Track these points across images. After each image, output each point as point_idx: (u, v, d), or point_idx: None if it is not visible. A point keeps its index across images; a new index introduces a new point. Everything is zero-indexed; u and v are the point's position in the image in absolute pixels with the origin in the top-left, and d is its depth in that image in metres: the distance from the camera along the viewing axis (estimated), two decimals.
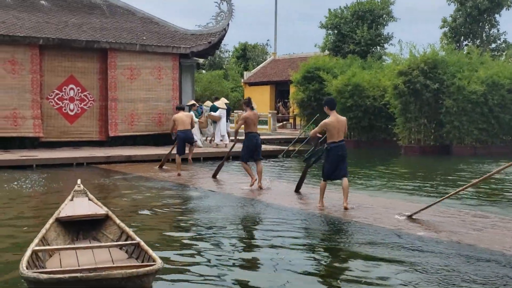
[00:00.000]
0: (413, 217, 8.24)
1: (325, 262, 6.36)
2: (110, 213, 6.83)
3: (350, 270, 5.91)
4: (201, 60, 23.58)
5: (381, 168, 16.58)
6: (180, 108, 14.97)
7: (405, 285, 5.34)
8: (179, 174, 13.67)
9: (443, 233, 7.35)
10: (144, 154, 17.13)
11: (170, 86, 20.33)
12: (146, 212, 9.21)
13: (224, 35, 21.18)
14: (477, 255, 6.29)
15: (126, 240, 6.17)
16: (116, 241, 6.29)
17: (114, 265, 5.24)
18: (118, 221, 6.60)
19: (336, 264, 6.23)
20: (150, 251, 5.36)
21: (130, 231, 6.25)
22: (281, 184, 12.42)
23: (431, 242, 6.89)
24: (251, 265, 6.23)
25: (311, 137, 10.06)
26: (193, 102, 19.99)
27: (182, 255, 6.55)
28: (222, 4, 21.15)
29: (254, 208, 9.50)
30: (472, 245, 6.73)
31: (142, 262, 5.39)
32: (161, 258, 5.12)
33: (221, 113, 20.62)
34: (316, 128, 9.45)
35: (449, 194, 8.40)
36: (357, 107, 24.75)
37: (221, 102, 21.08)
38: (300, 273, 5.78)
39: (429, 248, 6.64)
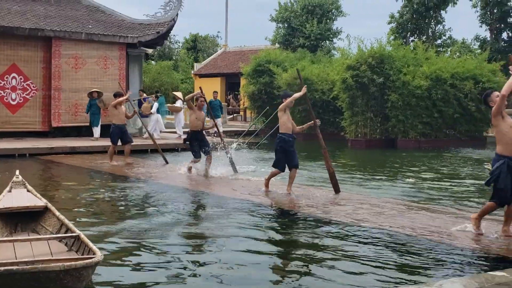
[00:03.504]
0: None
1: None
2: (49, 205, 6.65)
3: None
4: (149, 50, 23.26)
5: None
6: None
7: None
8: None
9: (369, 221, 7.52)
10: (89, 146, 16.81)
11: (116, 77, 19.94)
12: (87, 203, 9.01)
13: (173, 25, 20.91)
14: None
15: (65, 232, 6.02)
16: (56, 234, 6.14)
17: (53, 258, 5.10)
18: (57, 213, 6.43)
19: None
20: (90, 244, 5.26)
21: (69, 223, 6.10)
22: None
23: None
24: (197, 252, 6.19)
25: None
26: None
27: (123, 247, 6.44)
28: None
29: (194, 196, 9.46)
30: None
31: (82, 254, 5.27)
32: (102, 250, 5.02)
33: (182, 104, 20.69)
34: None
35: None
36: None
37: (180, 94, 21.43)
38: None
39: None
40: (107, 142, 17.24)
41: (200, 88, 12.66)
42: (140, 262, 5.85)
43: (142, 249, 6.32)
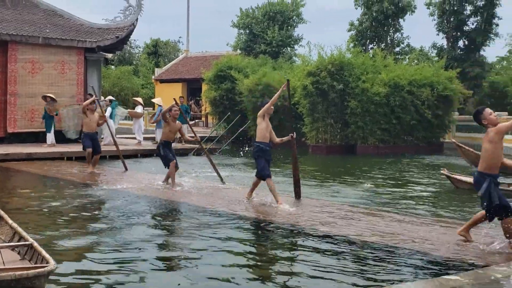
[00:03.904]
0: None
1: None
2: (2, 212, 6.50)
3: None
4: (109, 55, 22.96)
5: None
6: None
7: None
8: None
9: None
10: (46, 152, 16.46)
11: (74, 81, 19.62)
12: (42, 211, 8.80)
13: (132, 30, 20.70)
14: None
15: (19, 241, 5.89)
16: (8, 242, 6.00)
17: (5, 267, 4.98)
18: (10, 221, 6.28)
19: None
20: (44, 252, 5.18)
21: (23, 231, 5.97)
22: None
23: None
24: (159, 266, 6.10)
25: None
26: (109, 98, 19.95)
27: (80, 256, 6.31)
28: None
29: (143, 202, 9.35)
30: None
31: (36, 263, 5.16)
32: (56, 259, 4.92)
33: (143, 110, 20.52)
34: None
35: None
36: None
37: (141, 100, 21.14)
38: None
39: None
40: (63, 148, 17.01)
41: (174, 99, 12.24)
42: (98, 271, 5.74)
43: (100, 258, 6.21)
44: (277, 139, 9.70)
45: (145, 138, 21.09)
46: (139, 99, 21.49)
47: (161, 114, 11.91)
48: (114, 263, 6.01)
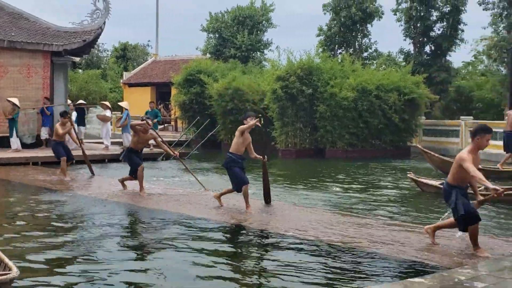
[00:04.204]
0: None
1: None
2: None
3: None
4: (76, 59, 22.67)
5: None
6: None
7: None
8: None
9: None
10: (10, 157, 16.17)
11: (40, 85, 19.31)
12: (6, 219, 8.63)
13: (100, 34, 20.47)
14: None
15: None
16: None
17: None
18: None
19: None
20: (6, 260, 5.09)
21: None
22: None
23: None
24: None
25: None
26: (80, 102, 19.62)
27: (43, 263, 6.20)
28: (98, 1, 20.43)
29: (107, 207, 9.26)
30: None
31: None
32: (20, 267, 4.84)
33: (111, 114, 20.32)
34: None
35: None
36: (238, 111, 24.97)
37: (108, 103, 20.91)
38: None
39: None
40: (29, 154, 16.72)
41: (147, 121, 11.95)
42: (63, 284, 5.65)
43: (67, 268, 6.12)
44: (253, 155, 9.75)
45: (112, 143, 20.87)
46: (107, 103, 21.27)
47: (131, 127, 11.82)
48: (82, 272, 5.92)
